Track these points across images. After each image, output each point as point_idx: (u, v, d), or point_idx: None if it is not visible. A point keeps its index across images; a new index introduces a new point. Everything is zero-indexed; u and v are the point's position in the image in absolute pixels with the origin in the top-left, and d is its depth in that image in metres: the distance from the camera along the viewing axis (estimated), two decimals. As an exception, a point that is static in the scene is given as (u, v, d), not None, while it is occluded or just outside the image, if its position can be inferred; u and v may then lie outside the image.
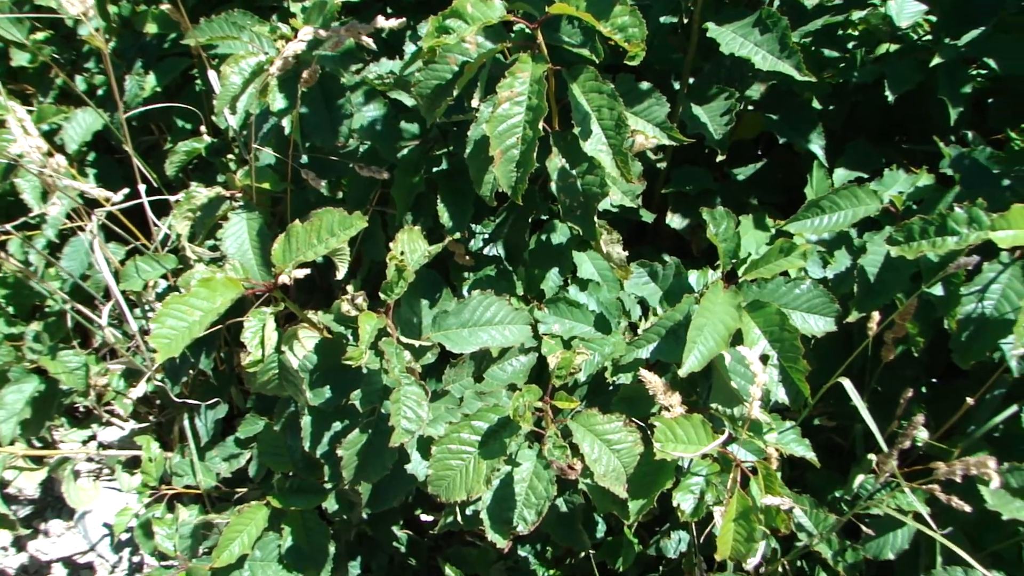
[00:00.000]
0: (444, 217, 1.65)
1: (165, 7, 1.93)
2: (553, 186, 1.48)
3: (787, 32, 1.61)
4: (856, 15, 2.18)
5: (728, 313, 1.35)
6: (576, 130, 1.37)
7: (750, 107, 2.04)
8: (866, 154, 1.98)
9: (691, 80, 1.88)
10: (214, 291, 1.23)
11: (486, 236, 1.74)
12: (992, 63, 1.88)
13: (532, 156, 1.33)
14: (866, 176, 1.91)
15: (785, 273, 1.46)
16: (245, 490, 2.12)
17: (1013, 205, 1.32)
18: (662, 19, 1.78)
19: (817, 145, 1.95)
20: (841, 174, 1.96)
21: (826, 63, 2.06)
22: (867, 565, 1.69)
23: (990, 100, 2.11)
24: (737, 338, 1.39)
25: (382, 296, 1.34)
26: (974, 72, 2.02)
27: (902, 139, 2.13)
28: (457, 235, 1.66)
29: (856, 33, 2.15)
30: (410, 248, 1.41)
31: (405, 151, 1.71)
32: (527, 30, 1.39)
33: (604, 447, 1.35)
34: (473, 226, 1.75)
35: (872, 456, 1.66)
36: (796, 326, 1.37)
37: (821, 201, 1.52)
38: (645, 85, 1.48)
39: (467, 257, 1.74)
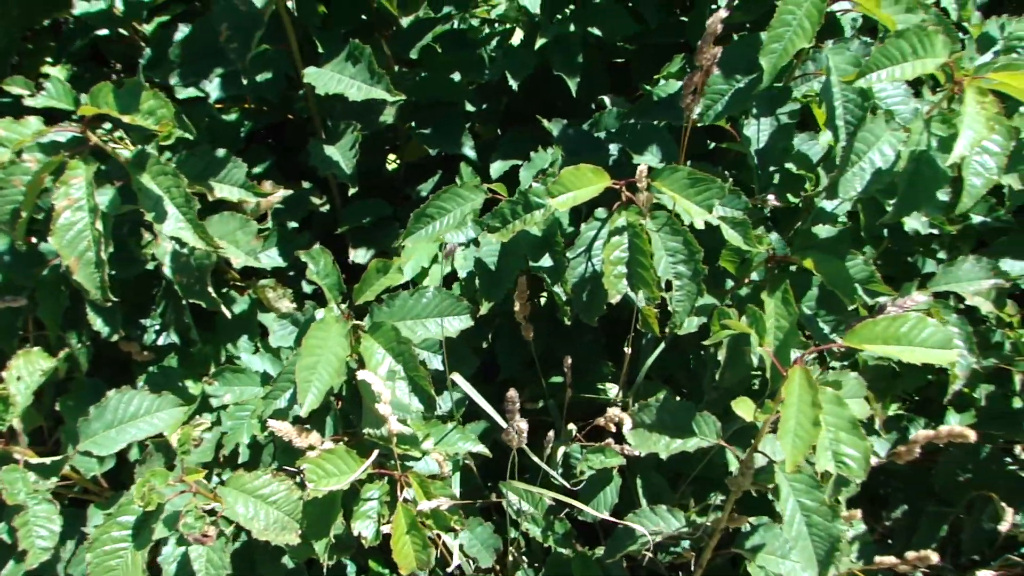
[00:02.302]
0: (98, 325, 1.66)
1: None
2: (167, 270, 1.52)
3: (371, 60, 1.68)
4: (495, 12, 2.28)
5: (339, 344, 1.40)
6: (151, 217, 1.40)
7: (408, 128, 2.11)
8: (520, 140, 2.06)
9: (328, 123, 1.94)
10: None
11: (156, 327, 1.76)
12: (597, 31, 2.00)
13: (104, 254, 1.36)
14: (520, 163, 2.00)
15: (408, 285, 1.53)
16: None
17: (563, 170, 1.40)
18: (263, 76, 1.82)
19: (467, 147, 2.04)
20: (498, 166, 2.04)
21: (464, 67, 2.14)
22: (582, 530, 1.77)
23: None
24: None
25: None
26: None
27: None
28: (115, 337, 1.67)
29: (493, 31, 2.24)
30: (28, 371, 1.43)
31: (46, 271, 1.71)
32: (77, 135, 1.42)
33: (259, 503, 1.38)
34: (143, 320, 1.77)
35: (572, 426, 1.74)
36: (410, 336, 1.43)
37: (427, 209, 1.58)
38: (221, 152, 1.52)
39: (144, 353, 1.75)
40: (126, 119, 1.34)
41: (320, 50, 1.84)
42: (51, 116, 1.53)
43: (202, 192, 1.51)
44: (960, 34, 1.65)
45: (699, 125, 1.56)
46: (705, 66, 1.33)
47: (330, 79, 1.71)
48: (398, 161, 2.37)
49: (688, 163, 1.67)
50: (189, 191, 1.39)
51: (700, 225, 1.39)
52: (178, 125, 1.40)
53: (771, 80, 1.48)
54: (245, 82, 1.73)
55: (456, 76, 2.12)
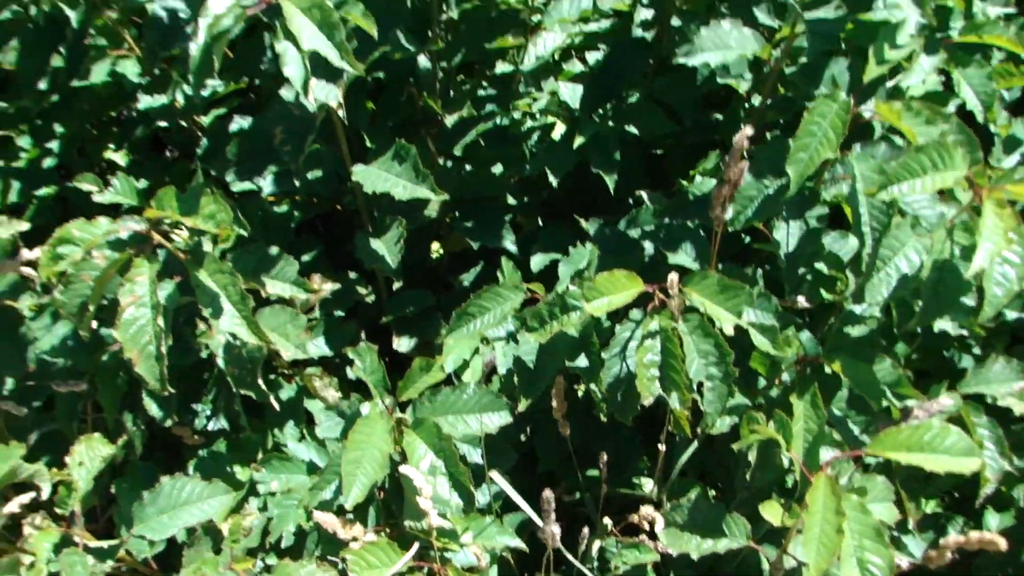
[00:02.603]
0: (153, 410, 1.74)
1: None
2: (220, 362, 1.60)
3: (416, 160, 1.77)
4: (536, 107, 2.37)
5: (383, 439, 1.46)
6: (208, 313, 1.49)
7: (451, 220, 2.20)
8: (559, 236, 2.14)
9: (375, 216, 2.02)
10: None
11: (208, 413, 1.84)
12: (634, 130, 2.08)
13: (164, 348, 1.44)
14: (559, 257, 2.06)
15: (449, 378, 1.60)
16: None
17: (598, 275, 1.47)
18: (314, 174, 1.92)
19: (508, 241, 2.11)
20: (538, 260, 2.12)
21: (506, 162, 2.22)
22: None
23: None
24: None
25: (57, 511, 1.43)
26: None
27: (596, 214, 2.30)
28: (169, 422, 1.75)
29: (535, 124, 2.33)
30: (89, 457, 1.50)
31: (106, 356, 1.80)
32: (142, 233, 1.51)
33: (301, 594, 1.44)
34: (195, 406, 1.85)
35: (607, 520, 1.78)
36: (451, 431, 1.49)
37: (469, 308, 1.65)
38: (274, 250, 1.61)
39: (195, 437, 1.83)
40: (188, 222, 1.43)
41: (368, 144, 1.94)
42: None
43: (255, 288, 1.59)
44: (984, 132, 1.71)
45: (730, 230, 1.62)
46: (733, 179, 1.39)
47: (377, 177, 1.80)
48: (441, 250, 2.45)
49: (720, 265, 1.72)
50: (244, 288, 1.47)
51: (729, 331, 1.44)
52: (234, 223, 1.49)
53: (798, 188, 1.54)
54: (297, 182, 1.83)
55: (498, 170, 2.22)
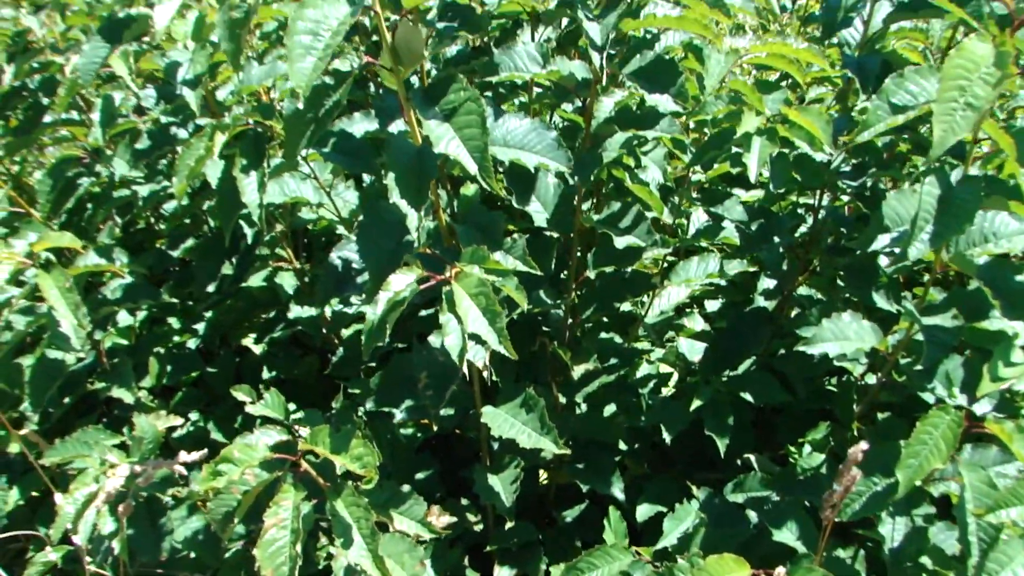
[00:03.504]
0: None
1: (26, 432, 2.20)
2: (342, 585, 1.70)
3: (543, 412, 1.89)
4: (654, 355, 2.50)
5: None
6: (339, 541, 1.60)
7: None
8: (667, 488, 2.22)
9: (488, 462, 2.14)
10: None
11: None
12: (748, 397, 2.17)
13: (297, 571, 1.55)
14: (664, 510, 2.14)
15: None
16: None
17: (708, 558, 1.53)
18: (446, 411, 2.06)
19: (617, 488, 2.19)
20: (644, 510, 2.19)
21: (622, 410, 2.34)
22: None
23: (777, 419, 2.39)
24: None
25: None
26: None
27: (703, 468, 2.38)
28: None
29: (652, 373, 2.45)
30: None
31: (229, 553, 1.92)
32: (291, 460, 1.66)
33: None
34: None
35: None
36: None
37: (579, 564, 1.73)
38: (406, 488, 1.73)
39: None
40: (338, 461, 1.56)
41: (498, 383, 2.08)
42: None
43: (383, 521, 1.70)
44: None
45: (836, 520, 1.68)
46: (845, 486, 1.47)
47: (504, 422, 1.92)
48: (547, 480, 2.55)
49: (825, 554, 1.77)
50: (375, 523, 1.59)
51: (834, 632, 1.48)
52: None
53: (907, 491, 1.60)
54: (435, 426, 1.96)
55: (611, 412, 2.33)
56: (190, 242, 2.47)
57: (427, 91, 1.52)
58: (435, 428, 2.19)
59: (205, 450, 1.80)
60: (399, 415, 2.05)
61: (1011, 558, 1.58)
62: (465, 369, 1.48)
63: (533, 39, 1.94)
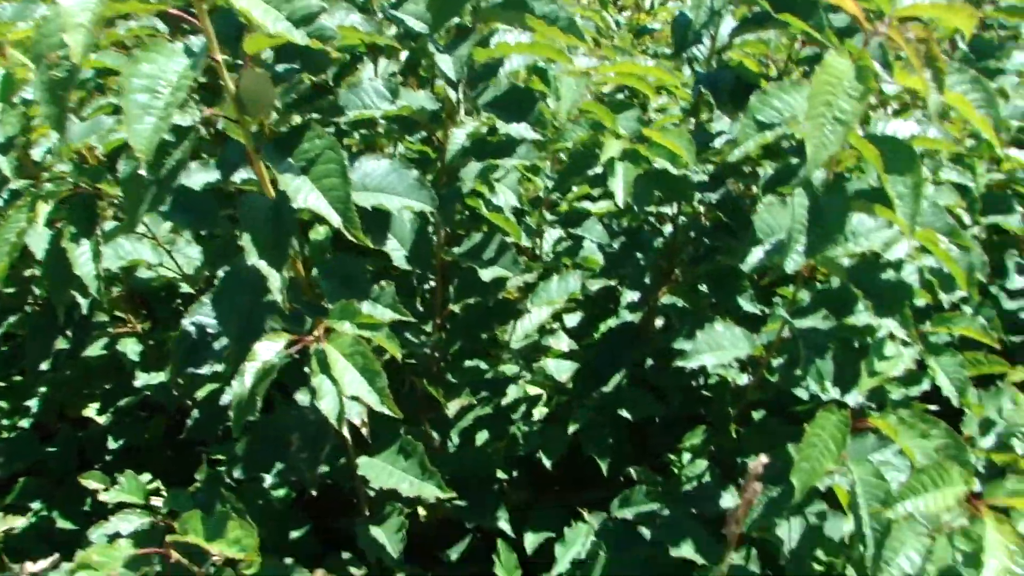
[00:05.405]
0: None
1: None
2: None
3: (423, 457, 1.81)
4: (523, 379, 2.45)
5: None
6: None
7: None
8: (553, 514, 2.17)
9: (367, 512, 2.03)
10: None
11: None
12: (625, 413, 2.16)
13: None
14: (553, 535, 2.09)
15: None
16: None
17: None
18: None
19: (503, 520, 2.13)
20: (532, 539, 2.14)
21: (497, 435, 2.28)
22: None
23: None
24: None
25: None
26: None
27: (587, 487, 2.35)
28: None
29: (522, 396, 2.40)
30: None
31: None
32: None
33: None
34: None
35: None
36: None
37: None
38: (288, 560, 1.63)
39: None
40: (213, 549, 1.44)
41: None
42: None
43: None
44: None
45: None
46: (748, 500, 1.46)
47: (382, 471, 1.82)
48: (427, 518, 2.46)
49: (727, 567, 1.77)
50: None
51: (745, 645, 1.47)
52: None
53: (803, 496, 1.61)
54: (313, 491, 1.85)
55: (486, 441, 2.27)
56: (14, 317, 2.26)
57: (280, 142, 1.42)
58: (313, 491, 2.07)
59: (56, 555, 1.64)
60: (270, 479, 1.93)
61: (903, 543, 1.62)
62: (346, 431, 1.39)
63: (376, 74, 1.85)
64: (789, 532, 1.74)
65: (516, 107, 1.66)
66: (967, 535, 1.56)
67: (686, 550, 1.81)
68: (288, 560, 1.62)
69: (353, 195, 1.43)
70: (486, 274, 1.86)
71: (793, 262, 1.43)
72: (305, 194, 1.36)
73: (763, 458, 1.43)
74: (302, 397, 1.73)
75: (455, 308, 2.02)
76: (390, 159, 1.58)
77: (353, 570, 2.14)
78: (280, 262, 1.37)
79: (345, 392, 1.32)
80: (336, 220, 1.35)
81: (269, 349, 1.32)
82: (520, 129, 1.65)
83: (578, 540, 1.98)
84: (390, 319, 1.52)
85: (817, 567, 1.96)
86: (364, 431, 1.57)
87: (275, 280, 1.35)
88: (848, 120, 1.28)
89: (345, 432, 1.39)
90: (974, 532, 1.51)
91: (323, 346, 1.35)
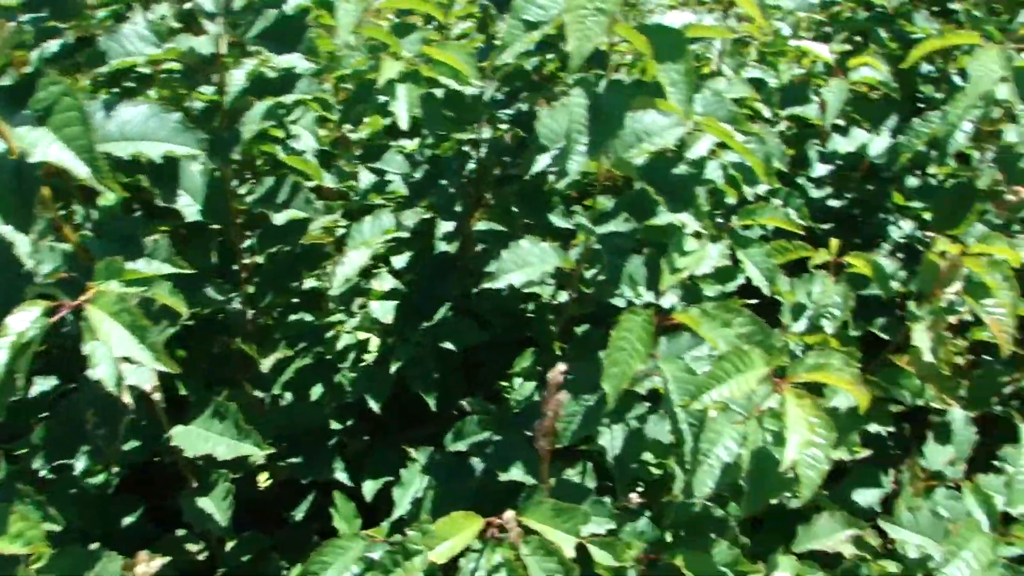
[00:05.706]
0: None
1: None
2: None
3: (238, 417, 1.73)
4: (349, 325, 2.39)
5: None
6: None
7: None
8: (387, 457, 2.13)
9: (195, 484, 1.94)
10: None
11: None
12: (450, 345, 2.13)
13: None
14: (392, 480, 2.04)
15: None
16: None
17: (437, 522, 1.46)
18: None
19: (339, 472, 2.09)
20: (370, 487, 2.10)
21: (326, 392, 2.21)
22: None
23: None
24: None
25: None
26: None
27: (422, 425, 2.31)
28: None
29: (351, 343, 2.34)
30: None
31: None
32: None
33: None
34: None
35: None
36: None
37: (311, 566, 1.59)
38: (94, 545, 1.53)
39: None
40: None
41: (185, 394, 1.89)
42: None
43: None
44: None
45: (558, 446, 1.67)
46: (553, 411, 1.45)
47: (197, 438, 1.74)
48: (269, 480, 2.39)
49: (553, 480, 1.76)
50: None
51: (570, 553, 1.46)
52: (46, 519, 1.41)
53: (615, 401, 1.61)
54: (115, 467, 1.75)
55: (317, 394, 2.20)
56: None
57: (12, 91, 1.29)
58: (116, 468, 1.96)
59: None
60: (79, 465, 1.81)
61: (719, 433, 1.64)
62: (127, 398, 1.30)
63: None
64: (611, 439, 1.75)
65: (285, 37, 1.58)
66: (775, 415, 1.60)
67: (515, 472, 1.80)
68: (94, 545, 1.52)
69: (107, 145, 1.34)
70: (279, 218, 1.79)
71: (575, 163, 1.40)
72: (45, 147, 1.25)
73: (561, 367, 1.42)
74: (93, 373, 1.62)
75: (259, 259, 1.94)
76: (149, 104, 1.47)
77: (190, 547, 2.06)
78: (27, 224, 1.26)
79: (115, 353, 1.23)
80: (83, 171, 1.25)
81: (24, 319, 1.22)
82: (292, 59, 1.57)
83: (415, 480, 1.95)
84: (166, 272, 1.43)
85: (655, 472, 1.99)
86: (157, 396, 1.49)
87: (23, 244, 1.24)
88: (609, 9, 1.26)
89: (126, 399, 1.30)
90: (781, 411, 1.55)
91: (86, 308, 1.25)
